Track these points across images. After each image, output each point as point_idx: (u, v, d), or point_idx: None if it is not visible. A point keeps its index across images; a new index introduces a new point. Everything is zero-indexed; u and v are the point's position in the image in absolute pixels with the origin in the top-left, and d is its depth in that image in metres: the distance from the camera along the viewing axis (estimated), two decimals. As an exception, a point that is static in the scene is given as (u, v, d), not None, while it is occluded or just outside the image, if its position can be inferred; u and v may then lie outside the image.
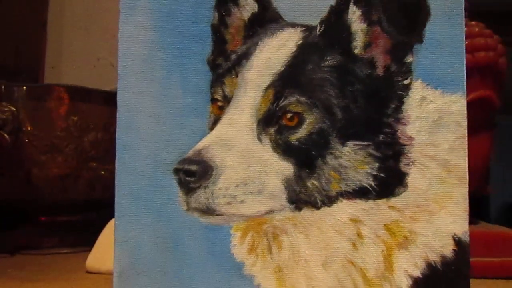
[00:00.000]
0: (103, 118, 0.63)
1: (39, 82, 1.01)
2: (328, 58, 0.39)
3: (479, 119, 0.52)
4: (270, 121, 0.38)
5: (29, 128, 0.60)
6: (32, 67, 1.01)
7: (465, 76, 0.38)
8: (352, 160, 0.38)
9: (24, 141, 0.60)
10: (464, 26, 0.38)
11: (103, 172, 0.64)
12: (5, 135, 0.57)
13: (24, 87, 0.61)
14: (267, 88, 0.38)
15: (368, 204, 0.38)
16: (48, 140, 0.60)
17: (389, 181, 0.38)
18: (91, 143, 0.63)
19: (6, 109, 0.57)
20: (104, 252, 0.53)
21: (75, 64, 1.06)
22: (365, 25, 0.38)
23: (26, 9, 0.99)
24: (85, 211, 0.69)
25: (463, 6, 0.38)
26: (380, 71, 0.38)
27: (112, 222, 0.55)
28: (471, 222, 0.60)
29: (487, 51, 0.51)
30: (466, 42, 0.52)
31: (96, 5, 1.05)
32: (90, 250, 0.56)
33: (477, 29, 0.52)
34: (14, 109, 0.59)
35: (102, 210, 0.67)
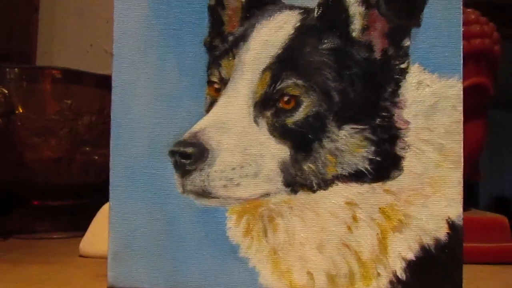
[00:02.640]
0: (98, 102, 0.62)
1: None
2: (325, 41, 0.38)
3: (474, 105, 0.52)
4: (267, 104, 0.38)
5: (21, 111, 0.59)
6: (24, 52, 1.00)
7: (461, 61, 0.38)
8: (348, 144, 0.38)
9: (17, 124, 0.59)
10: (461, 11, 0.38)
11: (96, 157, 0.64)
12: (-3, 117, 0.57)
13: (17, 69, 0.60)
14: (264, 70, 0.38)
15: (364, 188, 0.38)
16: (41, 123, 0.60)
17: (384, 165, 0.38)
18: (85, 127, 0.62)
19: (-2, 91, 0.57)
20: (97, 236, 0.53)
21: (67, 50, 1.05)
22: (363, 8, 0.38)
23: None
24: (79, 195, 0.69)
25: (461, -9, 0.38)
26: (377, 54, 0.38)
27: (105, 207, 0.55)
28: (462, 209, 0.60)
29: (482, 38, 0.51)
30: (462, 29, 0.52)
31: (88, -11, 1.04)
32: (83, 235, 0.56)
33: (473, 16, 0.52)
34: (6, 91, 0.58)
35: (96, 195, 0.67)
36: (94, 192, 0.67)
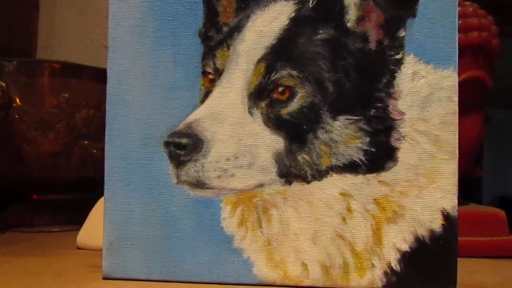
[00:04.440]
0: (95, 96, 0.62)
1: (31, 61, 0.99)
2: (320, 31, 0.38)
3: (471, 99, 0.52)
4: (262, 94, 0.38)
5: (19, 104, 0.60)
6: (25, 47, 1.00)
7: (457, 52, 0.38)
8: (343, 135, 0.38)
9: (15, 117, 0.59)
10: (457, 1, 0.38)
11: (95, 151, 0.64)
12: (-5, 110, 0.57)
13: (15, 62, 0.60)
14: (259, 61, 0.38)
15: (358, 179, 0.38)
16: (39, 116, 0.60)
17: (379, 156, 0.38)
18: (83, 120, 0.62)
19: (-5, 84, 0.57)
20: (94, 228, 0.53)
21: (67, 45, 1.05)
22: (358, -2, 0.38)
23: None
24: (77, 189, 0.69)
25: (457, -19, 0.38)
26: (372, 45, 0.38)
27: (102, 200, 0.55)
28: (461, 204, 0.60)
29: (480, 31, 0.51)
30: (460, 22, 0.52)
31: (88, -15, 1.04)
32: (80, 229, 0.56)
33: (471, 9, 0.52)
34: (4, 85, 0.58)
35: (94, 188, 0.67)
36: (92, 186, 0.67)
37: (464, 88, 0.51)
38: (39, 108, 0.60)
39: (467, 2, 0.53)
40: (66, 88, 0.61)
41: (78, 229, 0.56)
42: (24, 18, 1.03)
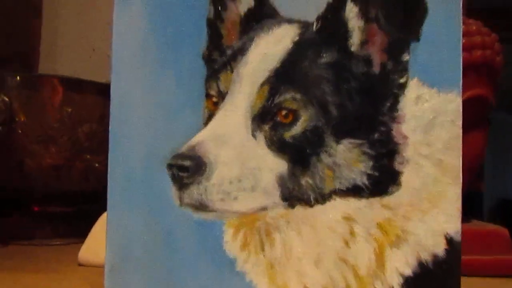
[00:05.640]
0: (98, 110, 0.62)
1: (33, 71, 1.00)
2: (324, 55, 0.38)
3: (474, 117, 0.52)
4: (265, 117, 0.38)
5: (22, 118, 0.60)
6: (27, 56, 1.00)
7: (461, 76, 0.38)
8: (346, 158, 0.38)
9: (17, 131, 0.59)
10: (461, 25, 0.38)
11: (97, 164, 0.64)
12: (-2, 125, 0.57)
13: (18, 77, 0.60)
14: (263, 84, 0.38)
15: (361, 202, 0.38)
16: (41, 131, 0.60)
17: (382, 180, 0.38)
18: (85, 135, 0.62)
19: (-2, 98, 0.57)
20: (96, 245, 0.53)
21: (70, 54, 1.05)
22: (362, 22, 0.38)
23: (21, -2, 0.98)
24: (78, 202, 0.69)
25: (461, 5, 0.38)
26: (376, 69, 0.38)
27: (104, 216, 0.55)
28: (463, 220, 0.60)
29: (484, 49, 0.51)
30: (464, 40, 0.51)
31: (91, -6, 1.04)
32: (82, 242, 0.56)
33: (474, 27, 0.52)
34: (7, 99, 0.58)
35: (95, 201, 0.67)
36: (94, 199, 0.68)
37: (468, 106, 0.51)
38: (42, 123, 0.60)
39: (470, 21, 0.53)
40: (69, 103, 0.62)
41: (79, 242, 0.56)
42: (26, 27, 1.03)
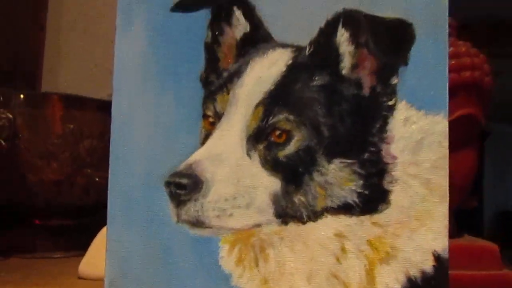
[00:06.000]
0: (99, 126, 0.64)
1: (36, 85, 1.02)
2: (316, 78, 0.40)
3: (465, 135, 0.54)
4: (260, 137, 0.40)
5: (25, 135, 0.61)
6: (30, 70, 1.02)
7: (447, 99, 0.40)
8: (337, 177, 0.39)
9: (20, 147, 0.61)
10: (447, 51, 0.40)
11: (97, 179, 0.65)
12: (1, 141, 0.58)
13: (22, 95, 0.62)
14: (257, 105, 0.40)
15: (352, 220, 0.40)
16: (44, 147, 0.62)
17: (372, 198, 0.39)
18: (86, 150, 0.64)
19: (3, 115, 0.59)
20: (96, 258, 0.55)
21: (72, 68, 1.07)
22: (353, 47, 0.40)
23: (26, 14, 1.00)
24: (79, 215, 0.70)
25: (447, 32, 0.40)
26: (366, 91, 0.40)
27: (104, 230, 0.56)
28: (456, 235, 0.61)
29: (473, 70, 0.53)
30: (453, 62, 0.54)
31: (94, 11, 1.06)
32: (82, 255, 0.57)
33: (463, 49, 0.54)
34: (11, 116, 0.60)
35: (96, 215, 0.68)
36: (94, 212, 0.69)
37: (458, 125, 0.53)
38: (45, 139, 0.62)
39: (460, 42, 0.55)
40: (70, 119, 0.63)
41: (80, 255, 0.57)
42: (30, 41, 1.05)
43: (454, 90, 0.54)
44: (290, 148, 0.39)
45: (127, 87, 0.42)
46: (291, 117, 0.39)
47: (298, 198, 0.39)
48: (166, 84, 0.42)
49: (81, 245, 0.59)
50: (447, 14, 0.40)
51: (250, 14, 0.41)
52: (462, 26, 0.57)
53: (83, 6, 1.07)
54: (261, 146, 0.40)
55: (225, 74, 0.41)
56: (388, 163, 0.39)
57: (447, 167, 0.39)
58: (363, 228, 0.39)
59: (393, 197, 0.39)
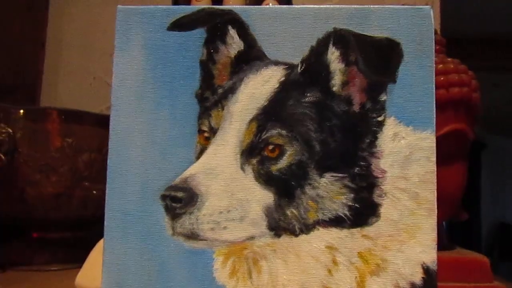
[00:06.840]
0: (97, 140, 0.65)
1: (36, 99, 1.03)
2: (308, 94, 0.41)
3: (454, 150, 0.55)
4: (253, 152, 0.41)
5: (24, 149, 0.62)
6: (30, 84, 1.04)
7: (434, 115, 0.41)
8: (328, 191, 0.40)
9: (20, 161, 0.62)
10: (434, 68, 0.41)
11: (95, 192, 0.66)
12: (1, 155, 0.59)
13: (21, 110, 0.64)
14: (251, 121, 0.41)
15: (343, 233, 0.41)
16: (43, 161, 0.63)
17: (363, 211, 0.40)
18: (84, 164, 0.65)
19: (3, 130, 0.60)
20: (93, 270, 0.55)
21: (71, 82, 1.09)
22: (343, 65, 0.41)
23: (26, 29, 1.02)
24: (77, 228, 0.71)
25: (433, 50, 0.41)
26: (356, 108, 0.41)
27: (101, 243, 0.57)
28: (447, 248, 0.62)
29: (461, 87, 0.54)
30: (442, 78, 0.55)
31: (93, 26, 1.08)
32: (79, 267, 0.58)
33: (452, 66, 0.55)
34: (11, 131, 0.61)
35: (93, 227, 0.69)
36: (92, 225, 0.70)
37: (447, 140, 0.54)
38: (44, 153, 0.63)
39: (448, 59, 0.56)
40: (69, 134, 0.64)
41: (77, 267, 0.58)
42: (30, 56, 1.07)
43: (443, 106, 0.55)
44: (283, 163, 0.41)
45: (125, 103, 0.43)
46: (284, 132, 0.41)
47: (291, 211, 0.41)
48: (163, 100, 0.43)
49: (79, 258, 0.60)
50: (433, 33, 0.41)
51: (244, 33, 0.43)
52: (459, 40, 0.59)
53: (82, 22, 1.09)
54: (254, 161, 0.41)
55: (220, 90, 0.43)
56: (378, 177, 0.41)
57: (435, 181, 0.41)
58: (354, 240, 0.40)
59: (382, 210, 0.40)
